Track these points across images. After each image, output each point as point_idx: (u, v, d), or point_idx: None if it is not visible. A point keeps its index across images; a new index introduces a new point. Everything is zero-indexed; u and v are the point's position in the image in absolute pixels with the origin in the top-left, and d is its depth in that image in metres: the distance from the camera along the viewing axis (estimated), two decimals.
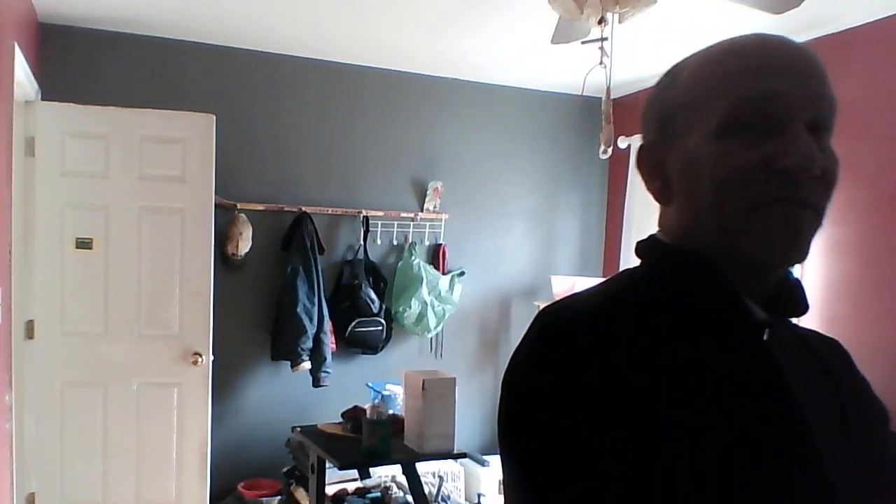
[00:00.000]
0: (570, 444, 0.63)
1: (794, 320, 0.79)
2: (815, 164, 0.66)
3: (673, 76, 0.76)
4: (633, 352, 0.65)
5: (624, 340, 0.66)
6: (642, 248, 0.80)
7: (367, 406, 2.81)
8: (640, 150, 0.78)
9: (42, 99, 3.30)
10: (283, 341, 3.75)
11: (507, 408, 0.69)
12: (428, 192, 4.21)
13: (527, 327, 0.73)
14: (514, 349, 0.73)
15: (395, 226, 4.13)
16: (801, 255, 0.70)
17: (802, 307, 0.76)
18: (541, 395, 0.65)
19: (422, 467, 3.22)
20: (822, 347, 0.82)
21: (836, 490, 0.68)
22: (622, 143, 4.23)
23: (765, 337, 0.72)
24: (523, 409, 0.67)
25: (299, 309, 3.70)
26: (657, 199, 0.78)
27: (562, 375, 0.65)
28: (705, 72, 0.72)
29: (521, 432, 0.67)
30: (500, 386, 0.73)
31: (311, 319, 3.73)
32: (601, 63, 2.32)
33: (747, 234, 0.69)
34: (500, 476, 0.75)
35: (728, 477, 0.63)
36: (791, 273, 0.76)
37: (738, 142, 0.68)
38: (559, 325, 0.69)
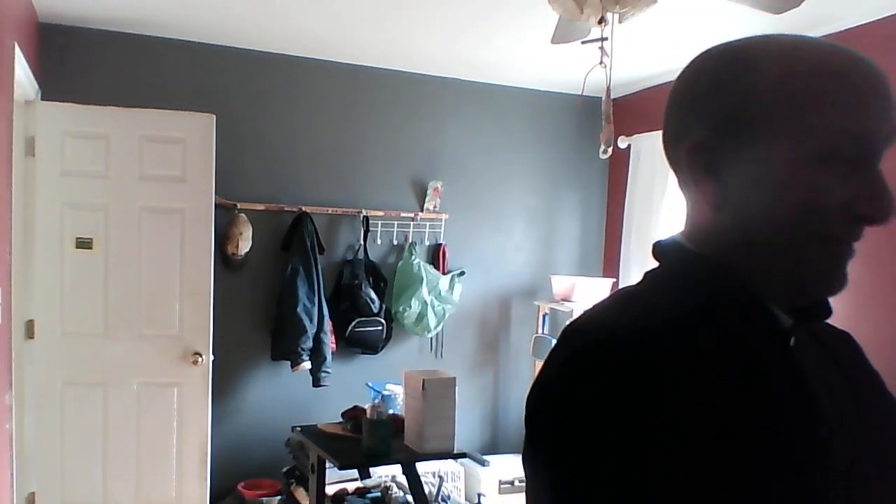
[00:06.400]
0: (612, 464, 0.62)
1: None
2: (889, 211, 0.65)
3: (741, 70, 0.67)
4: (667, 368, 0.64)
5: (657, 358, 0.65)
6: (663, 250, 0.77)
7: (367, 406, 2.81)
8: (695, 145, 0.70)
9: (42, 99, 3.30)
10: (283, 341, 3.75)
11: (546, 432, 0.67)
12: (428, 192, 4.21)
13: (554, 346, 0.71)
14: (540, 368, 0.71)
15: (395, 226, 4.13)
16: (844, 289, 0.70)
17: (826, 311, 0.75)
18: (582, 419, 0.64)
19: (422, 467, 3.22)
20: (834, 342, 0.82)
21: (857, 489, 0.68)
22: (622, 143, 4.23)
23: (791, 343, 0.72)
24: (563, 431, 0.65)
25: (299, 309, 3.70)
26: (708, 201, 0.71)
27: (602, 396, 0.63)
28: (803, 84, 0.65)
29: (560, 455, 0.65)
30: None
31: (311, 319, 3.73)
32: (601, 63, 2.31)
33: (805, 263, 0.68)
34: (526, 494, 0.73)
35: (763, 486, 0.63)
36: None
37: (831, 172, 0.65)
38: (594, 345, 0.67)
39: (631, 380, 0.63)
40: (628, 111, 4.28)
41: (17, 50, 2.67)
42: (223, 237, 3.68)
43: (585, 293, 4.09)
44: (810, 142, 0.64)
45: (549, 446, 0.66)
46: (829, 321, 0.79)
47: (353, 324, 3.90)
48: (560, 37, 2.57)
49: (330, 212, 3.98)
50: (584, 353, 0.66)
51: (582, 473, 0.63)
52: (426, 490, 3.26)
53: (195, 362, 3.34)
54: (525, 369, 4.47)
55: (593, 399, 0.63)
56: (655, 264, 0.79)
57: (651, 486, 0.61)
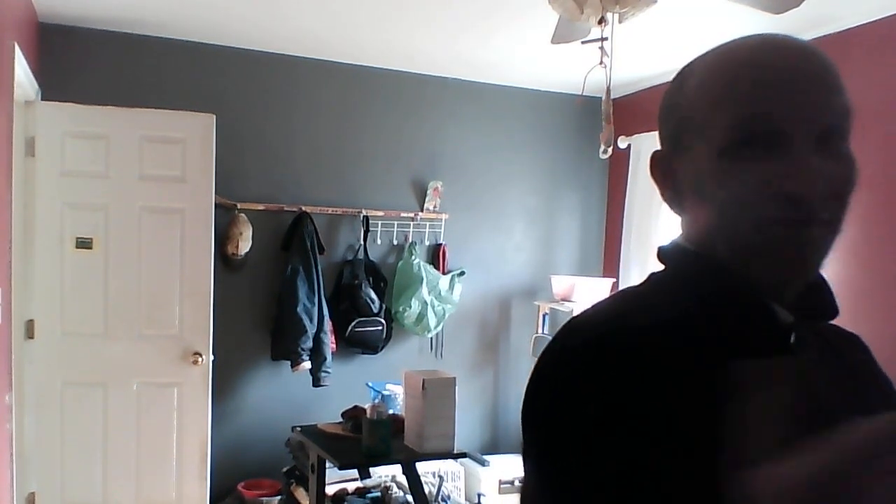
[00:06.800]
0: (612, 464, 0.62)
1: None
2: (818, 185, 0.65)
3: (681, 81, 0.74)
4: (665, 365, 0.64)
5: (655, 354, 0.65)
6: (665, 252, 0.78)
7: (367, 406, 2.81)
8: (653, 157, 0.77)
9: (42, 99, 3.30)
10: (283, 341, 3.75)
11: (541, 426, 0.67)
12: (428, 192, 4.21)
13: (551, 341, 0.71)
14: (536, 362, 0.71)
15: (395, 226, 4.13)
16: (809, 273, 0.69)
17: (831, 311, 0.75)
18: (578, 414, 0.64)
19: (422, 467, 3.22)
20: (842, 343, 0.81)
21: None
22: (622, 143, 4.24)
23: (791, 340, 0.72)
24: (559, 426, 0.65)
25: (299, 309, 3.70)
26: (670, 207, 0.78)
27: (599, 392, 0.63)
28: (708, 83, 0.69)
29: (556, 448, 0.65)
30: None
31: (311, 319, 3.73)
32: (601, 63, 2.32)
33: (752, 254, 0.68)
34: (522, 481, 0.72)
35: None
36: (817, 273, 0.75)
37: (741, 161, 0.67)
38: (592, 341, 0.67)
39: (628, 376, 0.63)
40: (628, 111, 4.28)
41: (17, 50, 2.67)
42: (223, 237, 3.68)
43: (585, 293, 4.09)
44: (716, 137, 0.68)
45: (545, 440, 0.67)
46: (836, 322, 0.79)
47: (353, 324, 3.90)
48: (560, 37, 2.57)
49: (330, 212, 3.98)
50: (581, 348, 0.67)
51: (578, 468, 0.63)
52: (426, 490, 3.26)
53: (195, 362, 3.34)
54: (525, 369, 4.46)
55: (590, 394, 0.63)
56: (656, 264, 0.79)
57: (649, 484, 0.61)
